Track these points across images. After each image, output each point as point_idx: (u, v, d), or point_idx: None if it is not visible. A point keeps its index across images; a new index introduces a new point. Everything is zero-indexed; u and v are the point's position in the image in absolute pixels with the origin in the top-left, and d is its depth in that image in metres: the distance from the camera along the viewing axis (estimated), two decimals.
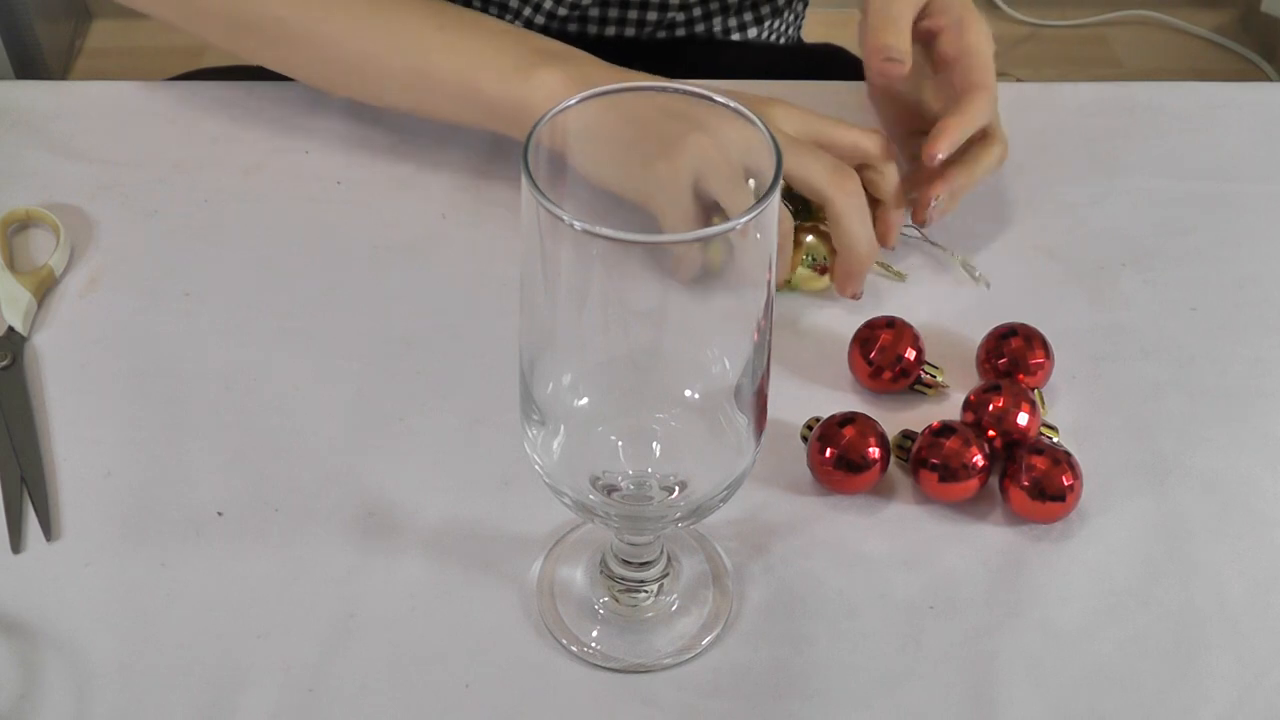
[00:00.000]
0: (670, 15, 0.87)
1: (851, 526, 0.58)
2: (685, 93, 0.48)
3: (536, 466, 0.48)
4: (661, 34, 0.89)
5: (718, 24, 0.90)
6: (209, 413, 0.62)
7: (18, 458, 0.59)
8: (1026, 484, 0.57)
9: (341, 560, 0.56)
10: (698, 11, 0.88)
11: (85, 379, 0.63)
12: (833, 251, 0.66)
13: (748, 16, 0.90)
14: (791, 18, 0.95)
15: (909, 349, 0.62)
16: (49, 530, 0.57)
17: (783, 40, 0.95)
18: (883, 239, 0.66)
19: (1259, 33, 2.13)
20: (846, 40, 1.02)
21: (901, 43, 0.67)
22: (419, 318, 0.66)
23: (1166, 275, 0.70)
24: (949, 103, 0.68)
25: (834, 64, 0.96)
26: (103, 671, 0.52)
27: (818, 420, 0.59)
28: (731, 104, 0.45)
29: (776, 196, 0.41)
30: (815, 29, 1.02)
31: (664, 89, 0.49)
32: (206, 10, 0.71)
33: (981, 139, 0.68)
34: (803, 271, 0.67)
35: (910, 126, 0.72)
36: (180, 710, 0.51)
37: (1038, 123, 0.79)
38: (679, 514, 0.48)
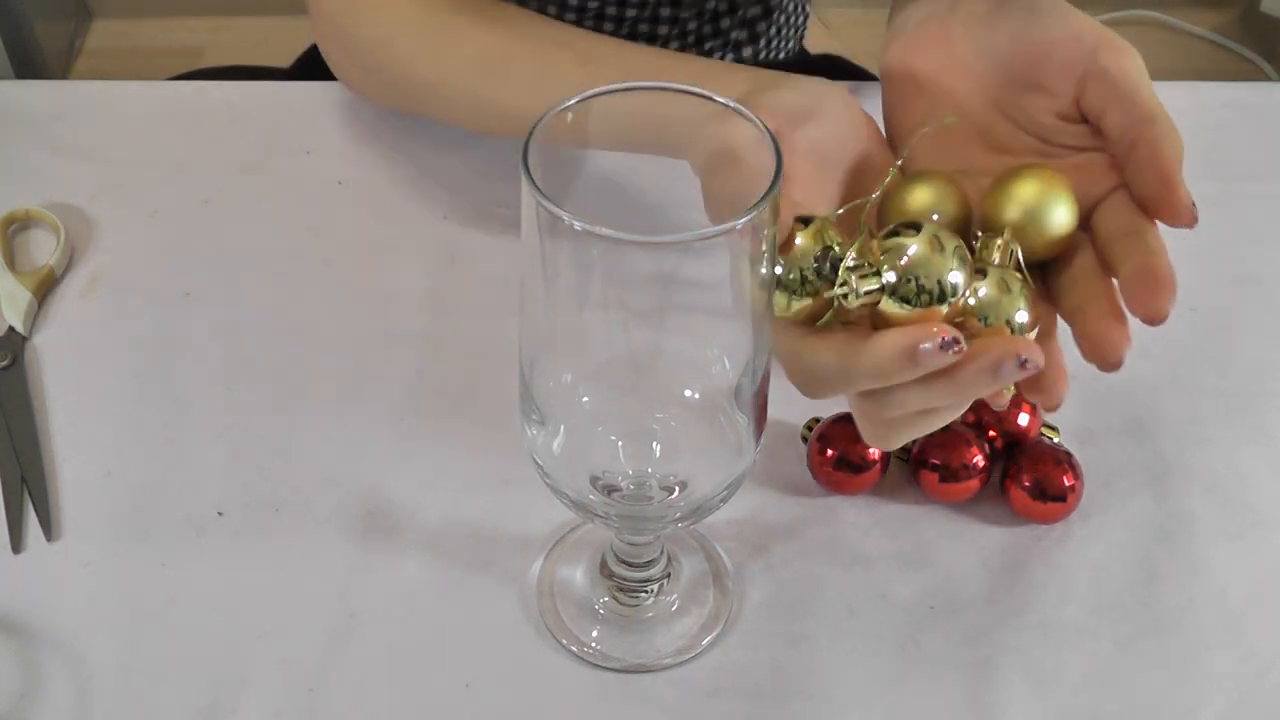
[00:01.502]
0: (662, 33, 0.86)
1: (851, 526, 0.58)
2: (687, 93, 0.48)
3: (536, 466, 0.48)
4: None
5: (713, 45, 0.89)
6: (209, 413, 0.62)
7: (18, 458, 0.59)
8: (1027, 484, 0.57)
9: (341, 560, 0.56)
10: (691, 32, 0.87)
11: (85, 379, 0.63)
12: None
13: (742, 34, 0.90)
14: (790, 31, 0.95)
15: None
16: (49, 530, 0.57)
17: (782, 55, 0.95)
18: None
19: (1259, 33, 2.13)
20: (850, 39, 1.02)
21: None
22: (419, 318, 0.66)
23: None
24: (1124, 145, 0.53)
25: (835, 76, 0.95)
26: (103, 671, 0.52)
27: (818, 420, 0.59)
28: (732, 104, 0.45)
29: (776, 197, 0.41)
30: (817, 39, 1.02)
31: (664, 88, 0.49)
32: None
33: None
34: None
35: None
36: (180, 710, 0.51)
37: None
38: (679, 514, 0.48)
